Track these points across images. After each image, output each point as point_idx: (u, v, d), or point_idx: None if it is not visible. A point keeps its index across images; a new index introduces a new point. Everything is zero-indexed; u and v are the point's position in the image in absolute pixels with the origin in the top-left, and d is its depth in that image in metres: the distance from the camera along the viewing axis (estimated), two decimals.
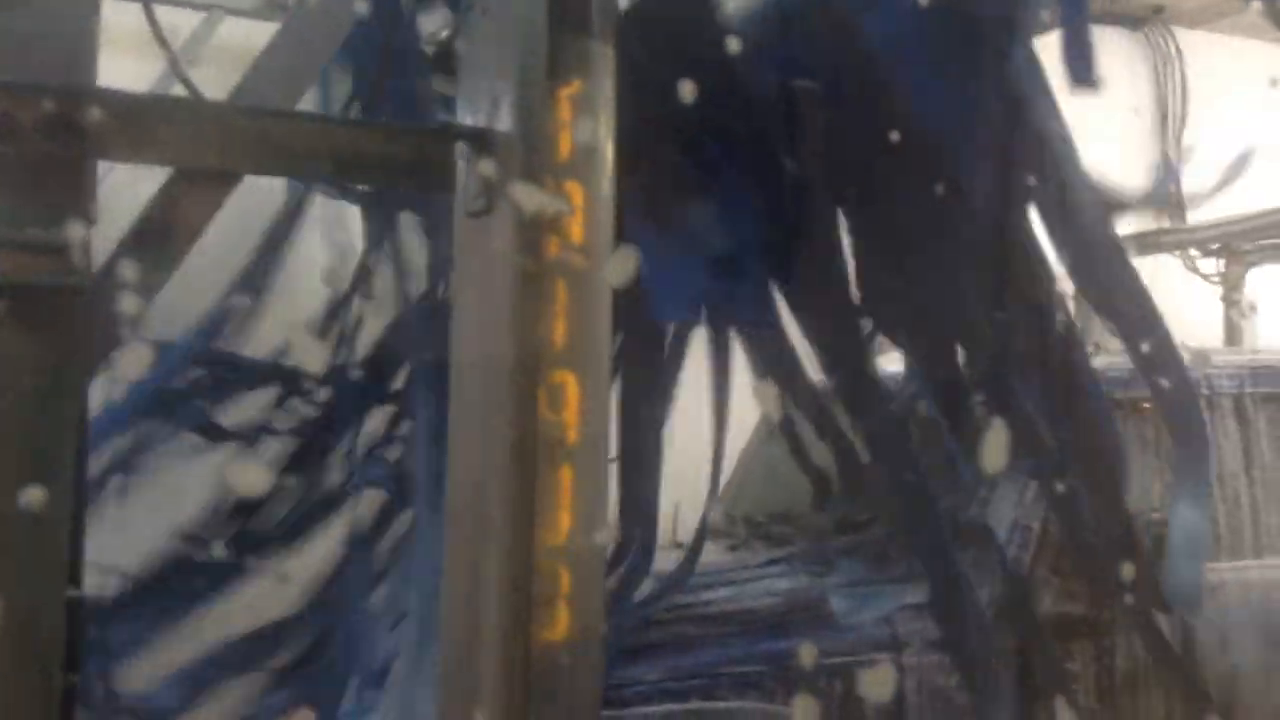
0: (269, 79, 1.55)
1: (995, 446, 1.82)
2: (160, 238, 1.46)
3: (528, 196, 1.45)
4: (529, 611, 1.45)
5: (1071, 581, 2.42)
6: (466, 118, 1.57)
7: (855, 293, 2.14)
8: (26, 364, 1.36)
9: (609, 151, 1.56)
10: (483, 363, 1.53)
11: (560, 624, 1.49)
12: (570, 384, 1.53)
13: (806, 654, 2.02)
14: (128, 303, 1.43)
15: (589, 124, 1.54)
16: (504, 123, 1.53)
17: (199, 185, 1.47)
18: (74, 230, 1.38)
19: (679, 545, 2.68)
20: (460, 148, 1.53)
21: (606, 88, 1.55)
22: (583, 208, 1.54)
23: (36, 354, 1.36)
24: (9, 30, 1.35)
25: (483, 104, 1.55)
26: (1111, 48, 4.92)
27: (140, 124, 1.40)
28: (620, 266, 1.53)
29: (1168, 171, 4.66)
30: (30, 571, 1.34)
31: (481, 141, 1.53)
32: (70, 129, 1.36)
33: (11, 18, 1.35)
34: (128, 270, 1.43)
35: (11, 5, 1.35)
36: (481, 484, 1.49)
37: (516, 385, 1.50)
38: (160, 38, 1.46)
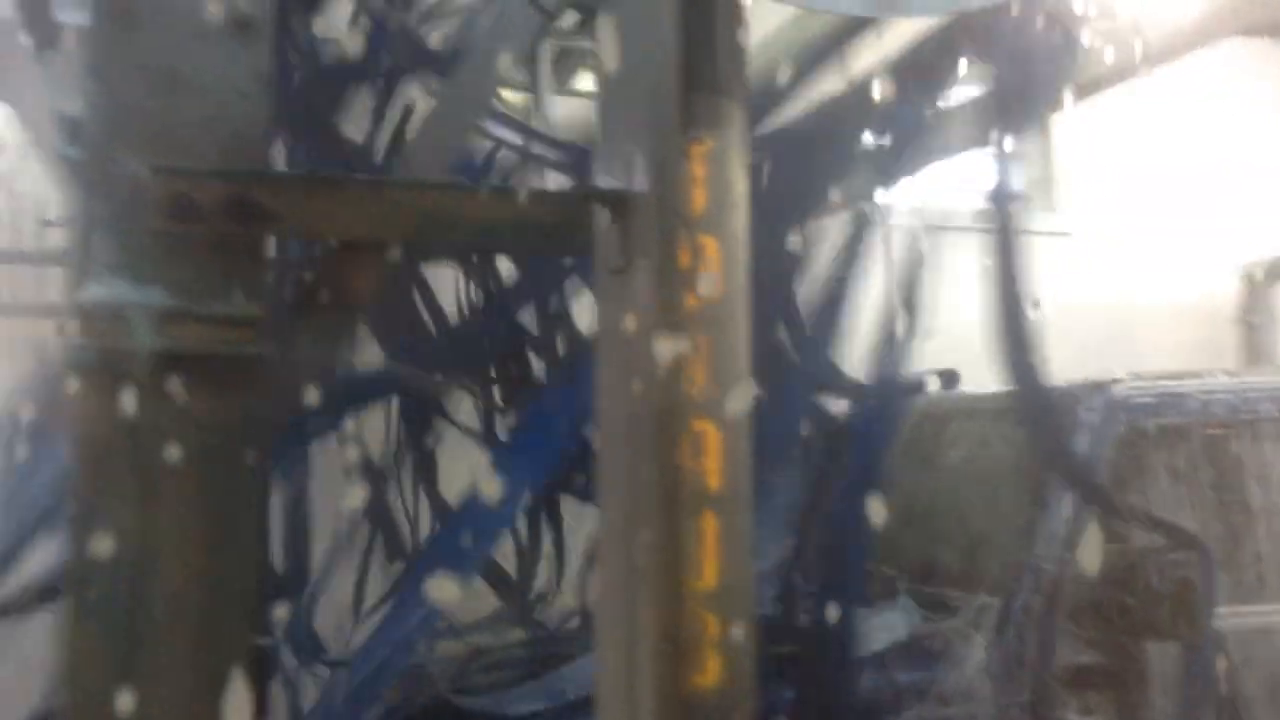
0: (425, 151, 1.65)
1: None
2: (327, 308, 1.57)
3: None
4: (681, 658, 1.48)
5: (1092, 629, 2.26)
6: (603, 179, 1.65)
7: None
8: (209, 428, 1.48)
9: (743, 206, 1.61)
10: (625, 413, 1.59)
11: (711, 670, 1.52)
12: (710, 432, 1.57)
13: None
14: (303, 370, 1.54)
15: (722, 179, 1.59)
16: (639, 182, 1.59)
17: (361, 256, 1.57)
18: (250, 304, 1.49)
19: None
20: (599, 209, 1.60)
21: (738, 143, 1.60)
22: (718, 261, 1.59)
23: (218, 419, 1.48)
24: (188, 118, 1.48)
25: (618, 165, 1.62)
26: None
27: (308, 202, 1.51)
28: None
29: None
30: (220, 629, 1.45)
31: (618, 202, 1.60)
32: (245, 209, 1.47)
33: (191, 106, 1.48)
34: (302, 339, 1.54)
35: (191, 95, 1.48)
36: (629, 532, 1.54)
37: (659, 434, 1.55)
38: None
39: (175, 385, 1.44)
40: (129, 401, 1.42)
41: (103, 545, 1.41)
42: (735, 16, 1.62)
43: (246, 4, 1.49)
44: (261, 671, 1.45)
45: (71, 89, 1.48)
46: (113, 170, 1.44)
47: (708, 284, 1.57)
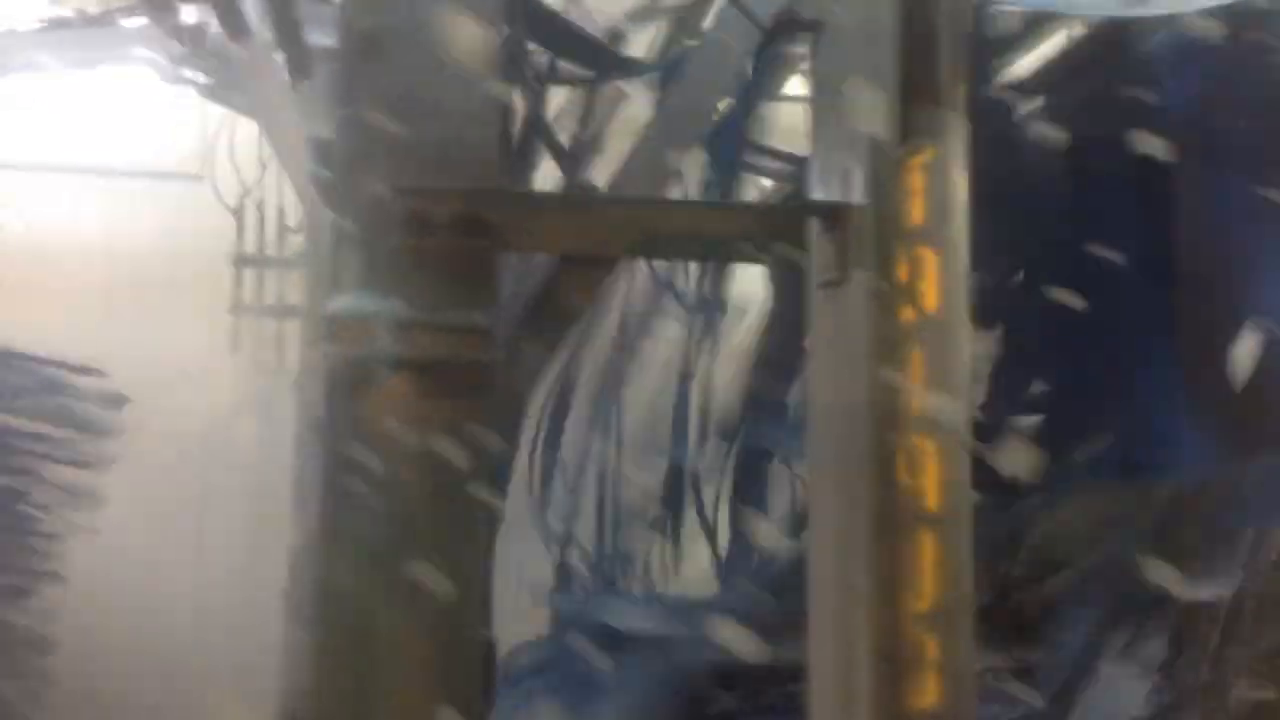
0: (641, 169, 1.70)
1: None
2: (550, 317, 1.64)
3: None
4: (901, 680, 1.47)
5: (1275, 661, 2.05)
6: (818, 192, 1.65)
7: None
8: (444, 428, 1.57)
9: (962, 217, 1.58)
10: (840, 430, 1.58)
11: (930, 691, 1.49)
12: (928, 449, 1.54)
13: None
14: (525, 373, 1.62)
15: (941, 191, 1.56)
16: (856, 194, 1.59)
17: (581, 270, 1.63)
18: (482, 313, 1.58)
19: None
20: (813, 221, 1.61)
21: (959, 154, 1.57)
22: (937, 273, 1.57)
23: (453, 419, 1.57)
24: (425, 139, 1.58)
25: (834, 178, 1.62)
26: None
27: (536, 218, 1.58)
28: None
29: None
30: (458, 621, 1.53)
31: (833, 214, 1.59)
32: (476, 226, 1.56)
33: (428, 130, 1.58)
34: (525, 346, 1.62)
35: (428, 120, 1.58)
36: (844, 550, 1.53)
37: (875, 452, 1.53)
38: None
39: (413, 389, 1.54)
40: (373, 404, 1.53)
41: (346, 531, 1.52)
42: (956, 28, 1.59)
43: (477, 34, 1.58)
44: (491, 664, 1.53)
45: (322, 114, 1.60)
46: (358, 190, 1.56)
47: (927, 296, 1.55)
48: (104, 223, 5.84)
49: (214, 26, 3.97)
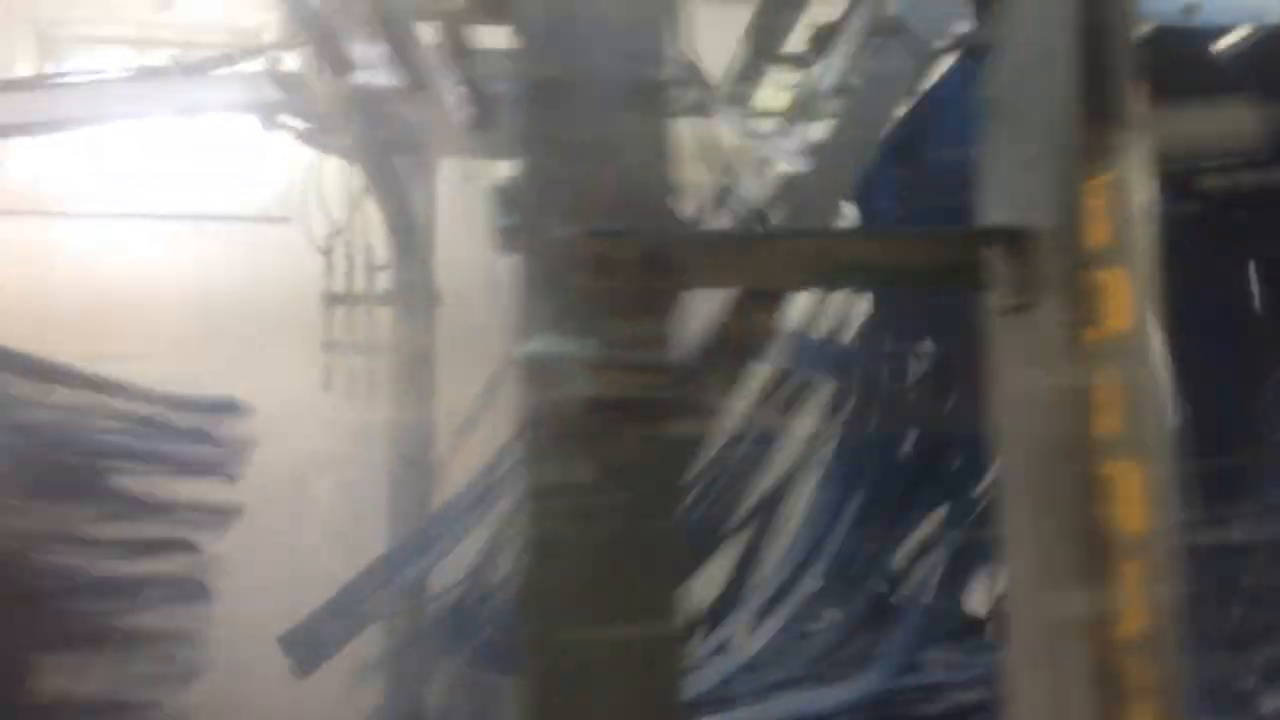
0: (815, 190, 1.71)
1: None
2: (730, 351, 1.65)
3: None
4: (1113, 709, 1.45)
5: None
6: (993, 216, 1.65)
7: None
8: (637, 467, 1.58)
9: (1147, 236, 1.57)
10: (1031, 459, 1.57)
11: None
12: (1129, 474, 1.53)
13: None
14: (708, 409, 1.63)
15: (1124, 211, 1.55)
16: (1035, 218, 1.58)
17: (761, 303, 1.64)
18: (668, 351, 1.59)
19: None
20: (992, 248, 1.60)
21: (1141, 174, 1.56)
22: (1124, 294, 1.55)
23: (644, 458, 1.58)
24: (606, 182, 1.60)
25: (1012, 202, 1.62)
26: None
27: (716, 256, 1.59)
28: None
29: None
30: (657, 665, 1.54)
31: (1014, 239, 1.59)
32: (661, 264, 1.57)
33: (608, 171, 1.60)
34: (708, 381, 1.63)
35: (608, 161, 1.60)
36: (1047, 580, 1.52)
37: (1074, 478, 1.52)
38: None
39: (605, 427, 1.56)
40: (568, 444, 1.55)
41: (554, 566, 1.53)
42: (1129, 46, 1.58)
43: (652, 72, 1.60)
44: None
45: (506, 160, 1.63)
46: (545, 234, 1.58)
47: (1115, 318, 1.54)
48: (198, 267, 5.99)
49: (317, 72, 4.09)
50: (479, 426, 5.50)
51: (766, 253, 1.60)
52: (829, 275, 1.60)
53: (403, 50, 2.43)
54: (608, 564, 1.56)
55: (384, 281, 5.55)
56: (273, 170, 5.82)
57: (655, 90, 1.59)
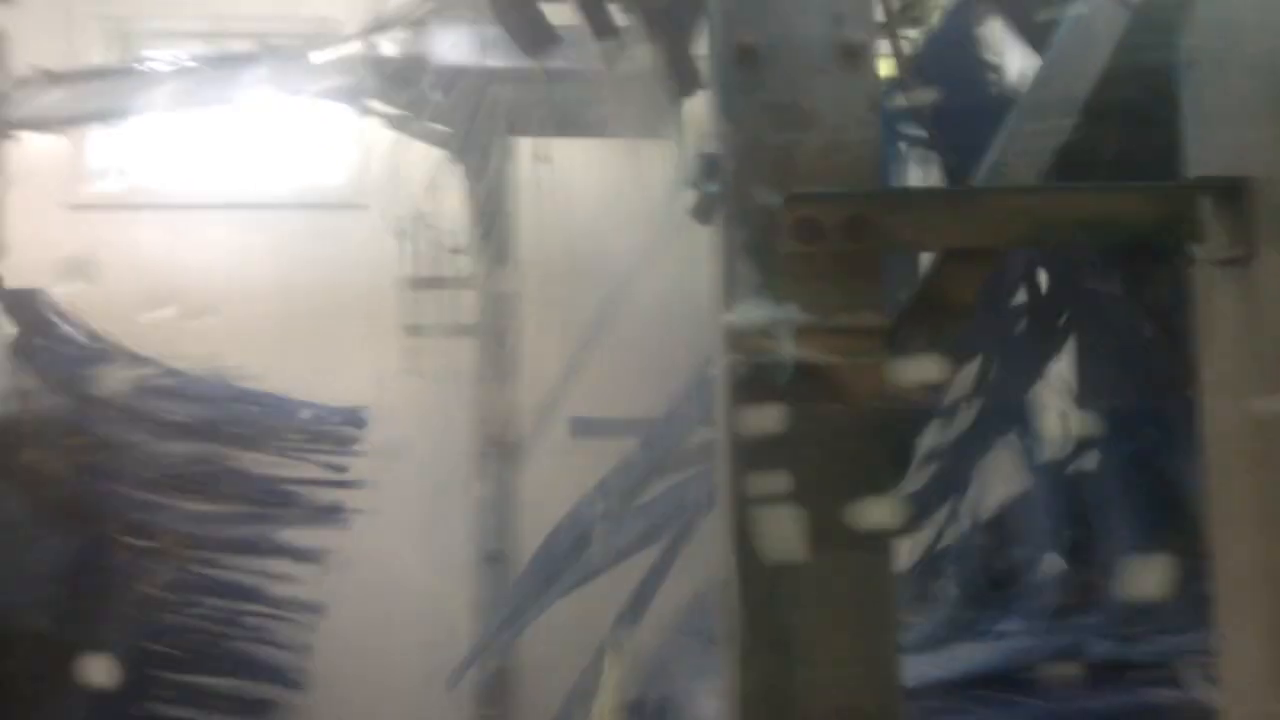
0: (1019, 152, 1.68)
1: None
2: (933, 313, 1.62)
3: None
4: None
5: None
6: (1201, 169, 1.61)
7: None
8: (841, 430, 1.57)
9: None
10: (1247, 421, 1.54)
11: None
12: None
13: None
14: (915, 374, 1.61)
15: None
16: (1252, 168, 1.55)
17: (964, 263, 1.61)
18: (872, 315, 1.57)
19: None
20: (1205, 198, 1.57)
21: None
22: None
23: (848, 422, 1.57)
24: (810, 146, 1.58)
25: (1224, 152, 1.58)
26: None
27: (921, 216, 1.57)
28: None
29: None
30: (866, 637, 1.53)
31: (1233, 191, 1.55)
32: (865, 227, 1.55)
33: (811, 136, 1.58)
34: (913, 345, 1.60)
35: (811, 125, 1.58)
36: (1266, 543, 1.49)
37: None
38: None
39: (813, 393, 1.54)
40: (778, 411, 1.53)
41: (753, 541, 1.52)
42: None
43: (855, 34, 1.57)
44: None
45: (708, 129, 1.61)
46: (748, 201, 1.56)
47: None
48: (274, 255, 6.02)
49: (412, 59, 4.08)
50: (561, 408, 5.52)
51: (974, 211, 1.58)
52: (1039, 232, 1.57)
53: (517, 20, 2.42)
54: (814, 530, 1.55)
55: (464, 265, 5.57)
56: (348, 157, 5.84)
57: (859, 51, 1.57)
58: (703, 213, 1.62)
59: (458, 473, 5.57)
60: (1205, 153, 1.62)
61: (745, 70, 1.57)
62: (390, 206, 5.34)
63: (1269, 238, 1.53)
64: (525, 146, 5.17)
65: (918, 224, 1.57)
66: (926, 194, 1.61)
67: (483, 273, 5.53)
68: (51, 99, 4.52)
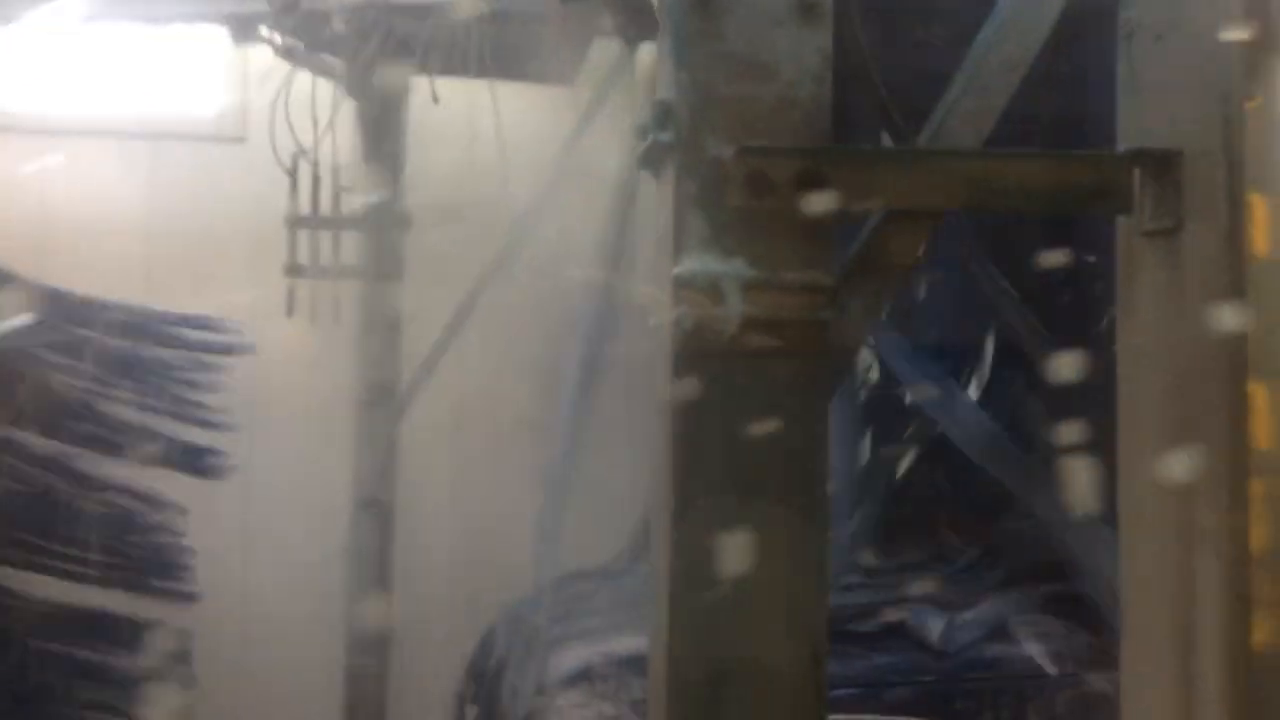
0: (959, 120, 1.69)
1: None
2: (875, 273, 1.64)
3: None
4: (1249, 618, 1.51)
5: None
6: (1134, 139, 1.66)
7: None
8: (784, 386, 1.57)
9: None
10: (1170, 378, 1.60)
11: (1264, 630, 1.54)
12: (1259, 394, 1.57)
13: None
14: (851, 332, 1.62)
15: (1272, 136, 1.58)
16: (1184, 141, 1.60)
17: (906, 222, 1.62)
18: (820, 271, 1.57)
19: None
20: (1138, 170, 1.62)
21: None
22: (1267, 218, 1.59)
23: (791, 378, 1.57)
24: (763, 100, 1.56)
25: (1157, 124, 1.63)
26: None
27: (872, 174, 1.57)
28: None
29: None
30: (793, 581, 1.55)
31: (1163, 161, 1.60)
32: (816, 182, 1.55)
33: (765, 89, 1.56)
34: (854, 303, 1.61)
35: (765, 79, 1.56)
36: (1178, 499, 1.56)
37: (1211, 400, 1.56)
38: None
39: (760, 348, 1.54)
40: (722, 365, 1.53)
41: (702, 501, 1.52)
42: None
43: None
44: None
45: (661, 77, 1.57)
46: (700, 152, 1.54)
47: (1261, 243, 1.57)
48: (148, 187, 5.71)
49: None
50: (446, 356, 5.42)
51: (924, 171, 1.59)
52: (977, 195, 1.60)
53: None
54: (751, 483, 1.55)
55: (351, 204, 5.38)
56: (232, 87, 5.56)
57: (815, 5, 1.55)
58: (652, 162, 1.59)
59: (338, 419, 5.44)
60: (1137, 123, 1.66)
61: (701, 19, 1.54)
62: (274, 141, 5.10)
63: (1196, 210, 1.58)
64: (422, 86, 5.01)
65: (869, 182, 1.57)
66: (879, 153, 1.62)
67: (370, 214, 5.35)
68: None
